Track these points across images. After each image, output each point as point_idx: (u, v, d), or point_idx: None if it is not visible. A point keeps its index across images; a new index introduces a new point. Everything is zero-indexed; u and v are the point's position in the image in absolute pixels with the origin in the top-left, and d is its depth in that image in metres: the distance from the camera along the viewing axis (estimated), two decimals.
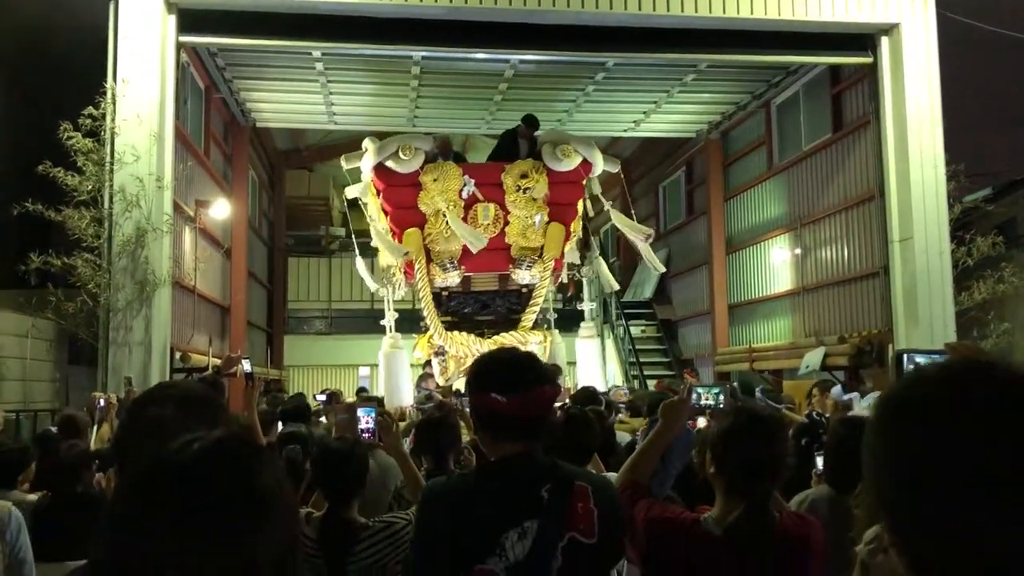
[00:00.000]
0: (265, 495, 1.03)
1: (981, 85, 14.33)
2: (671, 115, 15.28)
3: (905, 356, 1.98)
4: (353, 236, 14.04)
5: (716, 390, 2.99)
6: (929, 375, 0.99)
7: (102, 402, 6.45)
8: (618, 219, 11.79)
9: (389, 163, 10.60)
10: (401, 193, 10.73)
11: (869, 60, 11.04)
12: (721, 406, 2.94)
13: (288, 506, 1.08)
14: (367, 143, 11.07)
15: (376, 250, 12.54)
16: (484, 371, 2.25)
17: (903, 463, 0.93)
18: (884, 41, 10.80)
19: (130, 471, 1.16)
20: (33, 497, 4.20)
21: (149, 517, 0.98)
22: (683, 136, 16.67)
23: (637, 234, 11.72)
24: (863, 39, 10.97)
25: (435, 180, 10.61)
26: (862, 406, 6.83)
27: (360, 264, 12.78)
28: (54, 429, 6.34)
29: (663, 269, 12.97)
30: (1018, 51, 12.51)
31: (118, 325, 8.97)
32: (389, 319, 12.11)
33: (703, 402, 2.97)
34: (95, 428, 6.18)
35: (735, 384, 8.11)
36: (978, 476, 0.87)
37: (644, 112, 14.89)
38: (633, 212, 12.89)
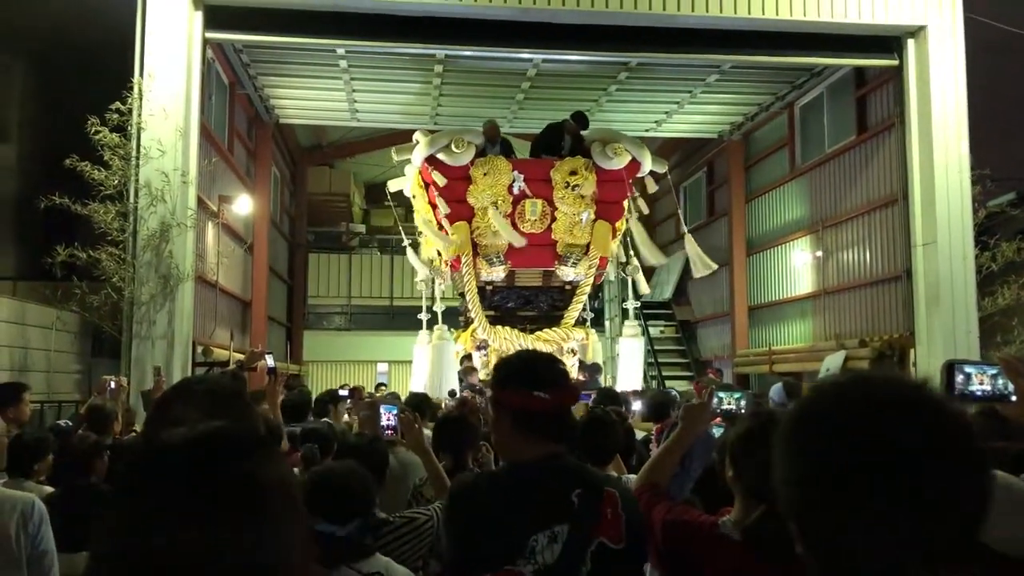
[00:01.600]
0: (262, 488, 0.99)
1: (1008, 89, 14.18)
2: (693, 115, 15.23)
3: (955, 367, 1.97)
4: (401, 231, 13.98)
5: (738, 395, 2.98)
6: (821, 394, 1.09)
7: (112, 384, 6.49)
8: (691, 246, 12.14)
9: (441, 156, 10.73)
10: (451, 186, 10.86)
11: (895, 63, 10.95)
12: (743, 410, 2.93)
13: (290, 503, 1.03)
14: (418, 135, 11.21)
15: (417, 244, 12.67)
16: (518, 369, 2.24)
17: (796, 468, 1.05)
18: (910, 43, 10.71)
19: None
20: (49, 488, 4.23)
21: (138, 504, 0.96)
22: (705, 136, 16.61)
23: (703, 267, 12.18)
24: (889, 41, 10.89)
25: (485, 174, 10.78)
26: None
27: (411, 255, 12.88)
28: (63, 423, 6.39)
29: (712, 269, 12.60)
30: None
31: (141, 318, 9.06)
32: (436, 310, 12.26)
33: (724, 407, 2.96)
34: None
35: (772, 391, 8.09)
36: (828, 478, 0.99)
37: (666, 112, 14.85)
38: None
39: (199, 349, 10.16)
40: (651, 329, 17.19)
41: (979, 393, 1.97)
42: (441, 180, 10.83)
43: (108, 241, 8.99)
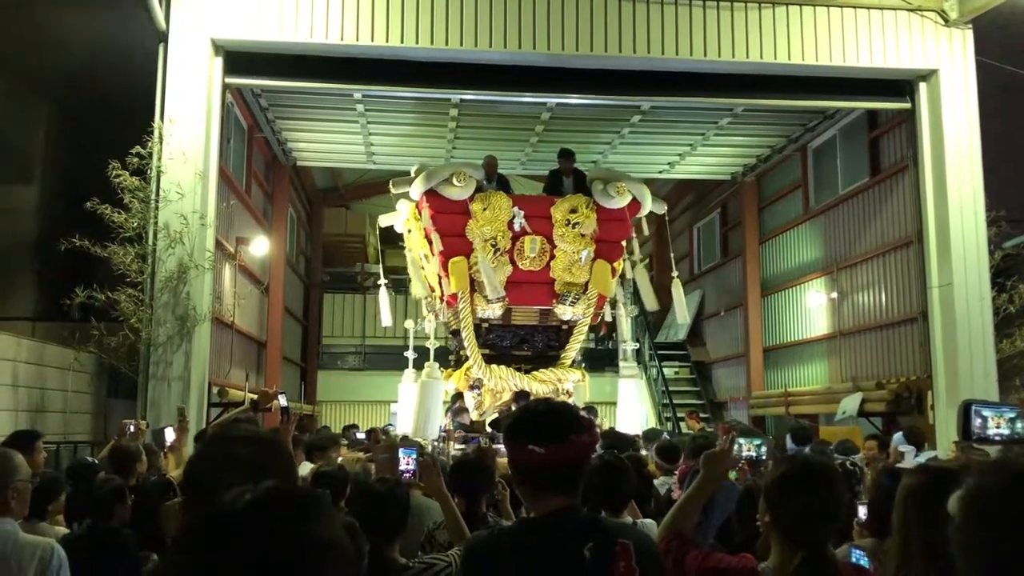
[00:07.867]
0: (325, 548, 1.03)
1: (1021, 129, 14.20)
2: (707, 157, 15.30)
3: (973, 409, 1.95)
4: (381, 273, 14.14)
5: (758, 441, 2.97)
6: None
7: (132, 427, 6.60)
8: (676, 291, 12.03)
9: (440, 189, 10.62)
10: (450, 220, 10.75)
11: (907, 106, 10.99)
12: (763, 456, 2.93)
13: (344, 556, 1.08)
14: (416, 169, 11.19)
15: (409, 282, 12.70)
16: (520, 424, 2.24)
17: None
18: (922, 87, 10.76)
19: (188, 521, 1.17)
20: (63, 529, 4.24)
21: (199, 569, 1.00)
22: (718, 178, 16.68)
23: (680, 315, 12.32)
24: (900, 84, 10.95)
25: (485, 209, 10.62)
26: (914, 461, 6.72)
27: (383, 298, 12.86)
28: (90, 459, 6.44)
29: (688, 320, 12.89)
30: None
31: (158, 359, 9.11)
32: (429, 347, 12.19)
33: (745, 453, 2.95)
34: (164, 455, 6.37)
35: (789, 433, 8.06)
36: None
37: (680, 154, 14.93)
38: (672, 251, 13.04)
39: (215, 390, 10.20)
40: (666, 370, 17.13)
41: (996, 436, 1.96)
42: (427, 220, 10.77)
43: (126, 283, 9.07)
